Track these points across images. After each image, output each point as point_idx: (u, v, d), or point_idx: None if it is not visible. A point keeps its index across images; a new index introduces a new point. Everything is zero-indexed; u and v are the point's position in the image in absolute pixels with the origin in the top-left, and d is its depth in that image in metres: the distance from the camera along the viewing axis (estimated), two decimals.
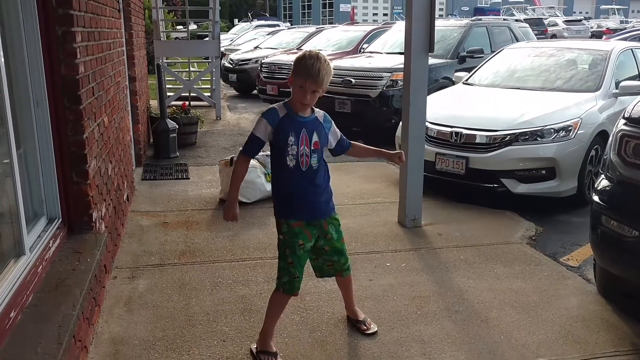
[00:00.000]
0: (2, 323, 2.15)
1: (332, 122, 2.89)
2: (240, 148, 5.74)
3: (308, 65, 2.60)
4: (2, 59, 2.47)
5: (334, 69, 9.06)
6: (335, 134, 2.90)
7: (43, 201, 3.01)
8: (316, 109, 2.82)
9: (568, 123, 5.21)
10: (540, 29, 24.08)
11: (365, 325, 3.13)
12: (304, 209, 2.80)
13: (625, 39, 12.69)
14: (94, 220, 3.25)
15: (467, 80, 6.94)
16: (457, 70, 8.03)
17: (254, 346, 2.90)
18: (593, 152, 5.35)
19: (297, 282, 2.81)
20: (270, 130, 2.72)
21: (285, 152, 2.71)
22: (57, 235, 3.00)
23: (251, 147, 2.78)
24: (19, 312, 2.31)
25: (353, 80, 8.44)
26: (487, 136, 5.26)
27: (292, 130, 2.70)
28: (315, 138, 2.74)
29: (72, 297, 2.52)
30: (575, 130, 5.19)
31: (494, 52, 7.87)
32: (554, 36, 25.04)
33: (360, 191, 5.77)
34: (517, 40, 9.54)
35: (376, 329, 3.13)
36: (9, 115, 2.50)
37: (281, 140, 2.71)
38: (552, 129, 5.18)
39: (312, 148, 2.74)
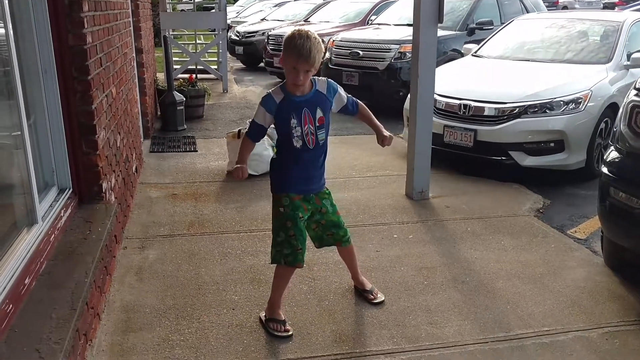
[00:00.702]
0: (18, 289, 2.20)
1: (338, 88, 2.84)
2: (248, 121, 5.76)
3: (298, 45, 2.55)
4: (11, 29, 2.47)
5: (341, 41, 8.99)
6: (339, 100, 2.84)
7: (54, 171, 3.04)
8: (318, 79, 2.78)
9: (578, 95, 5.17)
10: (551, 0, 23.64)
11: (372, 295, 3.17)
12: (303, 183, 2.82)
13: (638, 10, 12.46)
14: (104, 190, 3.28)
15: (476, 52, 6.86)
16: (466, 42, 7.93)
17: (262, 314, 2.95)
18: (603, 125, 5.31)
19: (301, 255, 2.82)
20: (269, 118, 2.75)
21: (290, 135, 2.72)
22: (68, 205, 3.03)
23: (254, 133, 2.83)
24: (33, 278, 2.36)
25: (361, 53, 8.37)
26: (495, 108, 5.22)
27: (292, 112, 2.70)
28: (319, 114, 2.73)
29: (84, 265, 2.56)
30: (585, 103, 5.14)
31: (503, 23, 7.76)
32: (565, 8, 24.58)
33: (368, 164, 5.77)
34: (527, 12, 9.39)
35: (383, 298, 3.17)
36: (18, 86, 2.51)
37: (283, 125, 2.73)
38: (561, 101, 5.13)
39: (317, 125, 2.73)
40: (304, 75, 2.62)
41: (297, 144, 2.73)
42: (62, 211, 2.93)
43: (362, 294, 3.20)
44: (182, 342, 2.75)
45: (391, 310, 3.08)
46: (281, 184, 2.85)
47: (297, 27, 2.70)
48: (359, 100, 3.00)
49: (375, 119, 3.02)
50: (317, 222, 2.92)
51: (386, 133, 2.98)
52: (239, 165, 2.76)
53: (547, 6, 11.87)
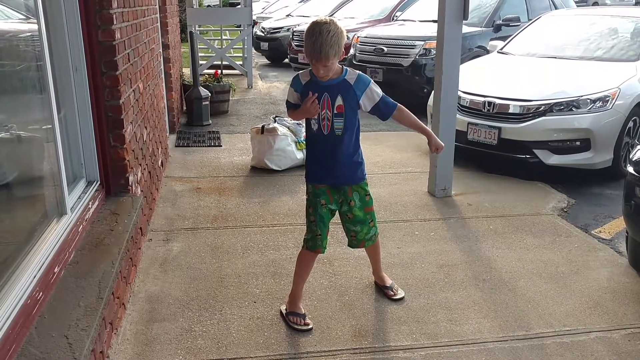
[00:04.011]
0: (47, 277, 2.28)
1: (370, 84, 2.75)
2: (272, 116, 5.79)
3: (310, 45, 2.58)
4: (44, 27, 2.54)
5: (366, 37, 8.94)
6: (370, 97, 2.74)
7: (82, 164, 3.12)
8: (350, 70, 2.76)
9: (605, 93, 5.08)
10: None
11: (392, 291, 3.19)
12: (327, 175, 2.84)
13: None
14: (130, 183, 3.36)
15: (502, 49, 6.80)
16: (492, 39, 7.86)
17: (283, 307, 2.99)
18: (631, 124, 5.22)
19: (320, 240, 2.87)
20: (297, 96, 2.82)
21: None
22: (96, 197, 3.12)
23: (290, 107, 2.93)
24: (62, 267, 2.44)
25: (385, 49, 8.35)
26: (520, 106, 5.17)
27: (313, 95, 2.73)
28: (339, 102, 2.72)
29: (111, 256, 2.63)
30: (613, 101, 5.06)
31: (530, 20, 7.66)
32: (595, 3, 24.08)
33: (391, 160, 5.78)
34: (556, 8, 9.25)
35: (403, 294, 3.19)
36: (50, 82, 2.59)
37: None
38: (588, 99, 5.06)
39: (335, 112, 2.73)
40: (324, 69, 2.65)
41: (314, 126, 2.79)
42: (90, 203, 3.01)
43: (382, 290, 3.22)
44: (204, 333, 2.81)
45: (411, 307, 3.09)
46: (307, 173, 2.91)
47: (314, 20, 2.69)
48: (400, 105, 2.84)
49: (422, 124, 2.91)
50: (344, 214, 2.93)
51: (440, 142, 2.92)
52: (309, 103, 2.71)
53: (576, 2, 11.66)
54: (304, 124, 2.91)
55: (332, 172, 2.83)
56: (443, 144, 2.95)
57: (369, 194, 2.93)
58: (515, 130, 5.15)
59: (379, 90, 2.78)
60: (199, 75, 7.40)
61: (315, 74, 2.71)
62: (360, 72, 2.80)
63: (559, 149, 5.09)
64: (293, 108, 2.89)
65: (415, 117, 2.89)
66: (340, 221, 3.02)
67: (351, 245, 3.07)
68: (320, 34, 2.57)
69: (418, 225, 4.17)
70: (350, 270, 3.47)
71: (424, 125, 2.94)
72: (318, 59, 2.59)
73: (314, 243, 2.88)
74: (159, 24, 5.77)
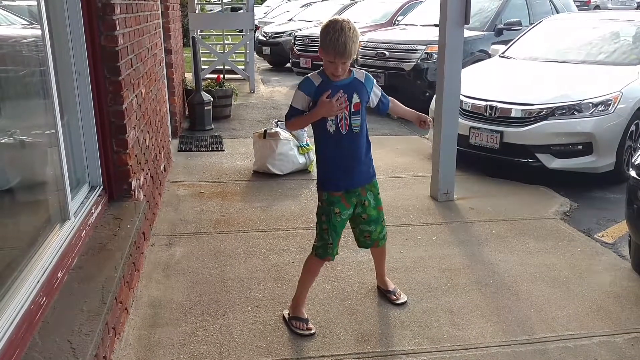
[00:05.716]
0: (51, 282, 2.28)
1: (374, 81, 2.88)
2: (274, 121, 5.76)
3: (333, 40, 2.57)
4: (47, 32, 2.56)
5: (368, 42, 8.95)
6: (376, 93, 2.88)
7: (85, 169, 3.13)
8: (356, 69, 2.82)
9: (607, 97, 5.08)
10: None
11: (395, 295, 3.19)
12: (344, 178, 2.82)
13: None
14: (133, 188, 3.37)
15: (503, 53, 6.81)
16: (493, 43, 7.88)
17: (286, 312, 2.99)
18: (633, 127, 5.21)
19: (331, 249, 2.86)
20: (309, 101, 2.76)
21: (324, 118, 2.74)
22: (99, 202, 3.13)
23: (293, 117, 2.82)
24: (65, 272, 2.44)
25: (387, 53, 8.36)
26: (522, 110, 5.18)
27: (329, 96, 2.71)
28: (355, 99, 2.75)
29: (114, 261, 2.64)
30: (615, 105, 5.06)
31: (532, 24, 7.67)
32: (597, 7, 24.08)
33: (393, 164, 5.78)
34: (557, 12, 9.27)
35: (406, 299, 3.18)
36: (53, 87, 2.60)
37: None
38: (590, 103, 5.06)
39: (352, 110, 2.75)
40: (342, 67, 2.67)
41: (331, 128, 2.75)
42: (93, 208, 3.02)
43: (384, 294, 3.22)
44: (207, 338, 2.81)
45: (413, 311, 3.09)
46: (322, 182, 2.88)
47: (331, 18, 2.70)
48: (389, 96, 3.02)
49: (407, 108, 3.07)
50: (358, 215, 2.92)
51: (423, 116, 3.02)
52: (335, 99, 2.67)
53: (578, 6, 11.68)
54: (312, 129, 2.86)
55: (350, 174, 2.82)
56: (426, 117, 3.03)
57: (379, 192, 2.96)
58: (518, 134, 5.15)
59: (378, 86, 2.94)
60: (201, 80, 7.41)
61: (332, 73, 2.69)
62: (364, 71, 2.90)
63: (561, 153, 5.10)
64: (299, 114, 2.77)
65: (404, 105, 3.09)
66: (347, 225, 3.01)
67: (365, 245, 3.06)
68: (342, 30, 2.58)
69: (420, 230, 4.17)
70: (353, 275, 3.47)
71: (410, 109, 3.08)
72: (342, 55, 2.59)
73: (324, 251, 2.87)
74: (161, 29, 5.80)
